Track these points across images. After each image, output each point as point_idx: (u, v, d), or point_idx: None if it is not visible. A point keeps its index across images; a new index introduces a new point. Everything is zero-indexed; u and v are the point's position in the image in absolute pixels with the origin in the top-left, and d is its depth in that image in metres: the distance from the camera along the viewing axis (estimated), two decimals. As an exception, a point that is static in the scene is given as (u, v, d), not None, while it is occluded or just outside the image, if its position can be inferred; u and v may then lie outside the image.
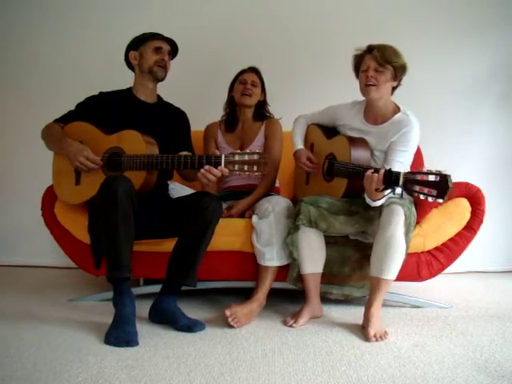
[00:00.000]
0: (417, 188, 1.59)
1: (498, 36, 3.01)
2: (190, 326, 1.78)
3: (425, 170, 1.60)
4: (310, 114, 2.34)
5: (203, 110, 2.59)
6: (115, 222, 1.69)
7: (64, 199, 2.08)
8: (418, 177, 1.59)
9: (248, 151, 1.74)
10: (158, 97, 2.22)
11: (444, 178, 1.54)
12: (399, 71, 1.96)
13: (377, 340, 1.69)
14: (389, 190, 1.71)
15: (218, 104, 2.55)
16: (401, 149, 1.94)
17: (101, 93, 2.15)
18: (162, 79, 2.13)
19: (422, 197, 1.58)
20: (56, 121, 2.10)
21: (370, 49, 1.96)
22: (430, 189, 1.56)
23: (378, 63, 1.92)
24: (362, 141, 2.03)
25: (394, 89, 2.03)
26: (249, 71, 2.48)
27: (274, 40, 3.07)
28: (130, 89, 2.17)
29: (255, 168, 1.71)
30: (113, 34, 3.04)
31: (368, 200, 1.84)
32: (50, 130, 2.07)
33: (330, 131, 2.23)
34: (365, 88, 1.97)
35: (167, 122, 2.16)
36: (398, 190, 1.66)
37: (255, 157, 1.72)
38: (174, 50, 2.17)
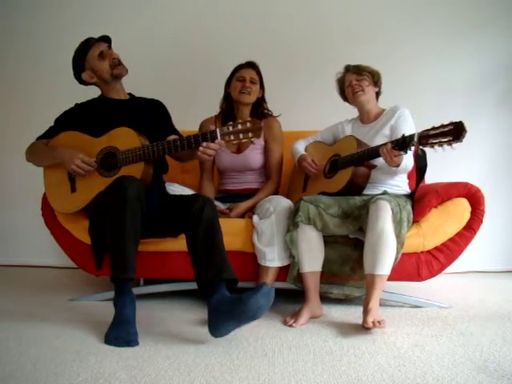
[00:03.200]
0: (433, 140, 1.69)
1: (499, 35, 3.01)
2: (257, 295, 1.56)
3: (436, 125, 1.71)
4: (310, 137, 2.44)
5: (199, 108, 2.54)
6: (123, 222, 1.68)
7: (61, 210, 2.08)
8: (432, 131, 1.71)
9: (240, 121, 1.77)
10: (130, 94, 2.22)
11: (458, 124, 1.64)
12: (375, 76, 2.24)
13: (375, 326, 1.70)
14: (403, 152, 1.85)
15: (215, 103, 2.51)
16: (402, 127, 2.06)
17: (76, 104, 2.16)
18: (126, 73, 2.10)
19: (437, 147, 1.68)
20: (38, 138, 2.10)
21: (347, 68, 2.27)
22: (446, 137, 1.66)
23: (356, 73, 2.22)
24: (366, 143, 2.11)
25: (377, 95, 2.28)
26: (247, 67, 2.38)
27: (271, 39, 3.07)
28: (101, 95, 2.17)
29: (251, 135, 1.75)
30: (111, 33, 3.03)
31: (393, 169, 1.97)
32: (36, 147, 2.08)
33: (333, 142, 2.35)
34: (353, 96, 2.22)
35: (146, 114, 2.15)
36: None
37: (248, 124, 1.75)
38: (107, 40, 2.11)
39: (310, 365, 1.46)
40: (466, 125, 1.62)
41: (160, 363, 1.46)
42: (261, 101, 2.44)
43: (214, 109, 2.50)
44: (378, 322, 1.72)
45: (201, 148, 1.79)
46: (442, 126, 1.68)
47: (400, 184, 2.17)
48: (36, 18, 3.14)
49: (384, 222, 1.82)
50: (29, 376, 1.35)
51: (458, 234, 2.12)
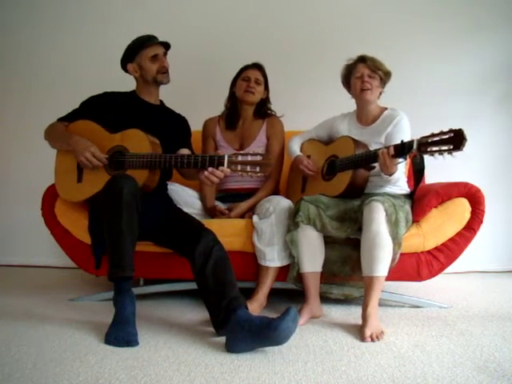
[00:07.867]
0: (433, 148, 1.66)
1: (501, 34, 3.01)
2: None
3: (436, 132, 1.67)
4: (305, 133, 2.41)
5: (202, 110, 2.56)
6: (119, 221, 1.68)
7: (65, 197, 2.08)
8: (431, 138, 1.67)
9: (251, 152, 1.74)
10: (161, 101, 2.24)
11: (458, 132, 1.61)
12: (386, 77, 2.18)
13: (373, 340, 1.68)
14: (401, 159, 1.83)
15: (217, 104, 2.53)
16: (398, 135, 2.02)
17: (105, 92, 2.16)
18: (168, 82, 2.14)
19: (437, 155, 1.65)
20: (60, 119, 2.10)
21: (364, 59, 2.17)
22: (445, 145, 1.63)
23: (371, 70, 2.14)
24: (363, 143, 2.10)
25: (379, 94, 2.22)
26: (252, 68, 2.42)
27: (271, 38, 3.07)
28: (133, 91, 2.19)
29: (258, 169, 1.71)
30: (110, 33, 3.06)
31: (384, 176, 1.93)
32: (54, 129, 2.08)
33: (328, 140, 2.32)
34: (361, 92, 2.15)
35: (169, 125, 2.17)
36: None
37: (258, 158, 1.71)
38: (166, 47, 2.14)
39: (310, 365, 1.46)
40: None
41: (160, 363, 1.46)
42: (265, 101, 2.48)
43: (215, 110, 2.52)
44: (377, 336, 1.69)
45: (206, 173, 1.78)
46: (442, 133, 1.65)
47: (400, 183, 2.17)
48: (34, 14, 3.14)
49: (378, 223, 1.81)
50: (29, 376, 1.35)
51: (458, 234, 2.12)
